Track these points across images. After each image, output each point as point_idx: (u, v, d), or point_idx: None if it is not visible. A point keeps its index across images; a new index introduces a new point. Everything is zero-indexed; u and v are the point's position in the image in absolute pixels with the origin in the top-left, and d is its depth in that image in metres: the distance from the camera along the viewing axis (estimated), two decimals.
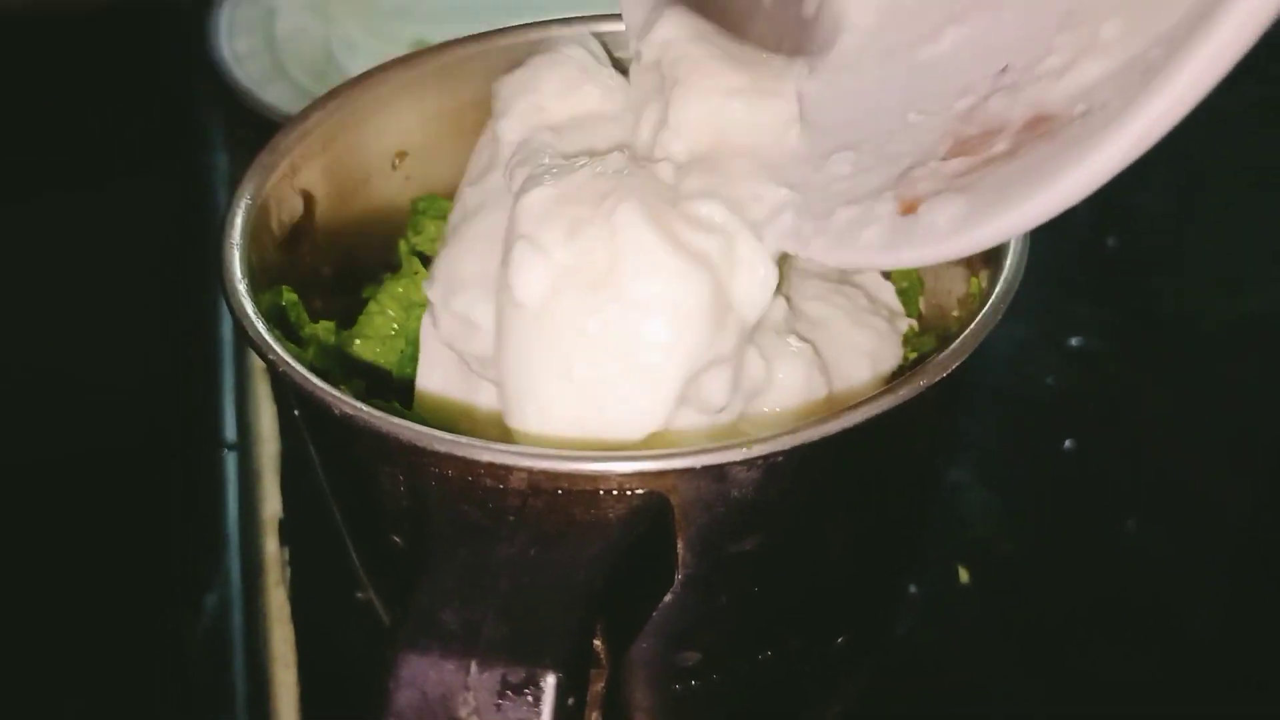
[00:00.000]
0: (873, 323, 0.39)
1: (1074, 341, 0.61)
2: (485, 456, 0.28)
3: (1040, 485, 0.54)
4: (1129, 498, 0.53)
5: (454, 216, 0.41)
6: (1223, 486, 0.54)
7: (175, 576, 0.51)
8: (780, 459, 0.29)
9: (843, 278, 0.42)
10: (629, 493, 0.28)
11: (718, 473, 0.29)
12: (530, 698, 0.26)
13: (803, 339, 0.36)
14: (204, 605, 0.49)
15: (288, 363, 0.31)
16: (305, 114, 0.39)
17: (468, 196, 0.40)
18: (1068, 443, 0.56)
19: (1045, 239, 0.70)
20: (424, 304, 0.40)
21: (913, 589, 0.49)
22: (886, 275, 0.43)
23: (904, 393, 0.29)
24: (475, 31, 0.44)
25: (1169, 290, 0.64)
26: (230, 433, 0.56)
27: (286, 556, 0.51)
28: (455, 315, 0.36)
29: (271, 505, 0.53)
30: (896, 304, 0.42)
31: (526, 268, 0.31)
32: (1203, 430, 0.56)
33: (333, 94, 0.40)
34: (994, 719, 0.45)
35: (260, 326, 0.32)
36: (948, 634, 0.48)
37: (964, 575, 0.50)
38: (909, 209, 0.29)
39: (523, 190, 0.33)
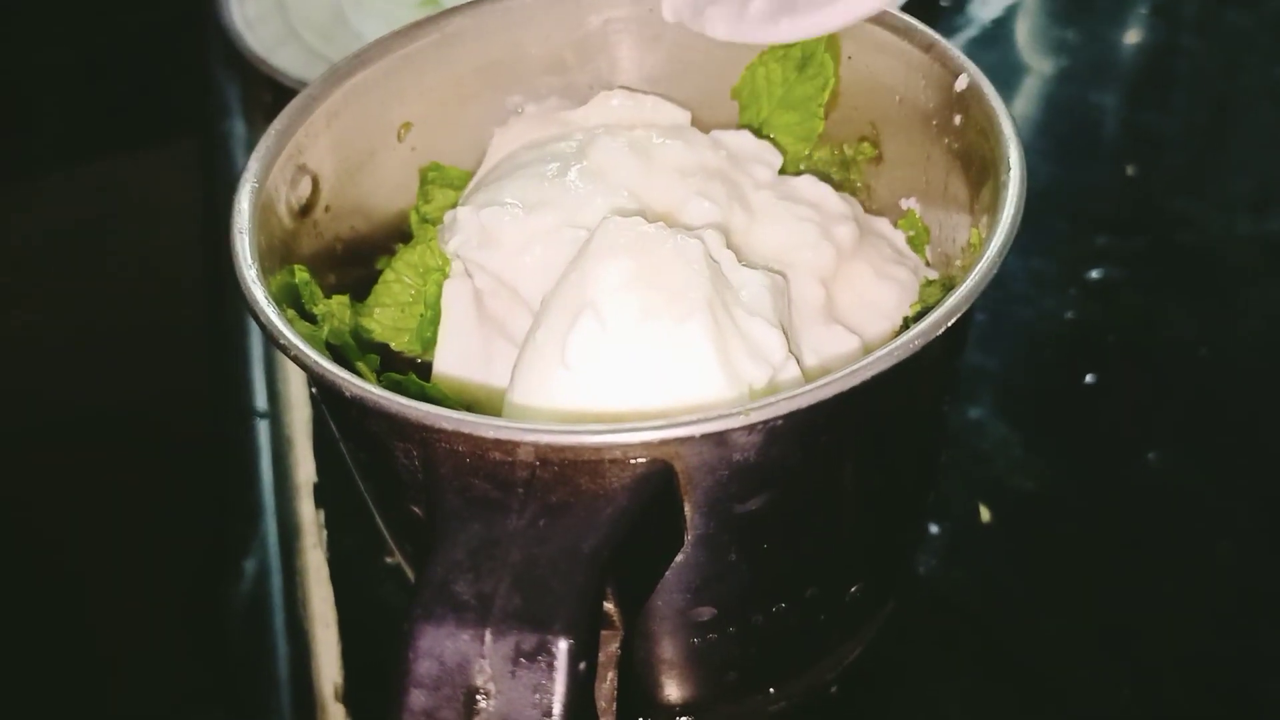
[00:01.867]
0: (897, 274, 0.40)
1: (1094, 274, 0.60)
2: (492, 433, 0.29)
3: (1061, 421, 0.55)
4: (1151, 430, 0.53)
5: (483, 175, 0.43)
6: (1247, 416, 0.54)
7: (215, 545, 0.52)
8: (780, 422, 0.29)
9: (860, 221, 0.42)
10: (633, 461, 0.29)
11: (718, 439, 0.29)
12: (544, 664, 0.27)
13: (849, 330, 0.37)
14: (244, 571, 0.51)
15: (299, 348, 0.31)
16: (307, 94, 0.40)
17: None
18: (1088, 377, 0.55)
19: (1063, 169, 0.70)
20: (440, 269, 0.41)
21: (934, 529, 0.49)
22: (894, 224, 0.43)
23: (899, 353, 0.29)
24: None
25: (1191, 216, 0.64)
26: (261, 401, 0.58)
27: (322, 519, 0.52)
28: (481, 226, 0.38)
29: (305, 470, 0.55)
30: (911, 252, 0.42)
31: (587, 341, 0.33)
32: (1225, 358, 0.56)
33: (333, 71, 0.41)
34: (1017, 657, 0.46)
35: (272, 314, 0.33)
36: (969, 573, 0.48)
37: (985, 514, 0.50)
38: None
39: (603, 251, 0.33)
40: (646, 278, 0.33)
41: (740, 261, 0.36)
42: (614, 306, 0.33)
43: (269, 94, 0.73)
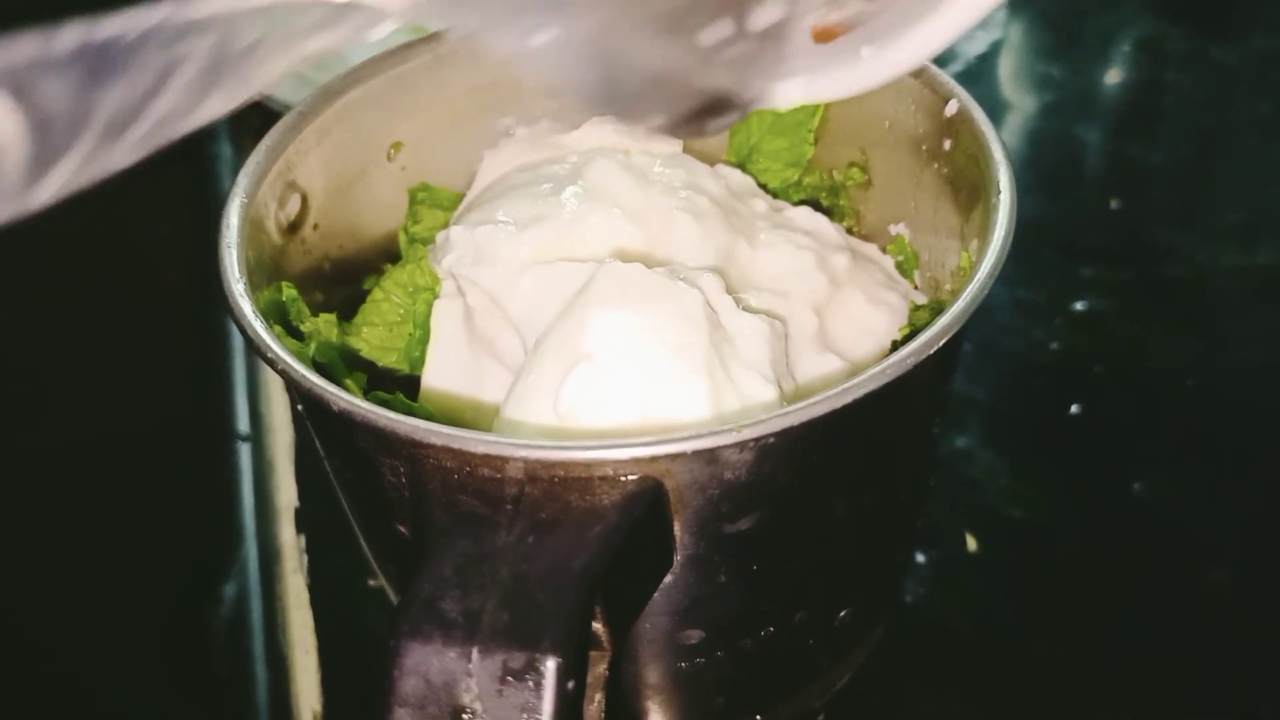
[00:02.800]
0: (888, 299, 0.40)
1: (1080, 305, 0.61)
2: (481, 448, 0.29)
3: (1048, 450, 0.55)
4: (1138, 460, 0.53)
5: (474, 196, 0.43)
6: (1234, 445, 0.54)
7: (194, 569, 0.52)
8: (771, 440, 0.29)
9: (854, 248, 0.42)
10: (623, 478, 0.29)
11: (709, 456, 0.29)
12: (531, 683, 0.26)
13: (841, 358, 0.37)
14: (224, 595, 0.50)
15: (287, 362, 0.31)
16: (298, 111, 0.40)
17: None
18: (1074, 407, 0.56)
19: (1048, 203, 0.70)
20: (429, 288, 0.41)
21: (921, 558, 0.49)
22: (883, 249, 0.43)
23: (890, 372, 0.29)
24: None
25: (1176, 248, 0.64)
26: (243, 424, 0.57)
27: (303, 544, 0.52)
28: (475, 243, 0.38)
29: (287, 494, 0.54)
30: (901, 277, 0.42)
31: (581, 393, 0.32)
32: (1212, 389, 0.56)
33: (325, 89, 0.41)
34: (1006, 684, 0.46)
35: (259, 327, 0.32)
36: (956, 602, 0.48)
37: (972, 543, 0.50)
38: (824, 36, 0.29)
39: (602, 299, 0.33)
40: (645, 332, 0.33)
41: (739, 299, 0.36)
42: (610, 359, 0.33)
43: (257, 118, 0.72)
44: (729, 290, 0.37)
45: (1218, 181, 0.69)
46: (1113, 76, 0.78)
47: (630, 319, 0.33)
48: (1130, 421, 0.55)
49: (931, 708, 0.45)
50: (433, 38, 0.43)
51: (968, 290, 0.31)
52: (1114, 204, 0.68)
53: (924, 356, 0.29)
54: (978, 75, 0.78)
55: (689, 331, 0.33)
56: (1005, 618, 0.48)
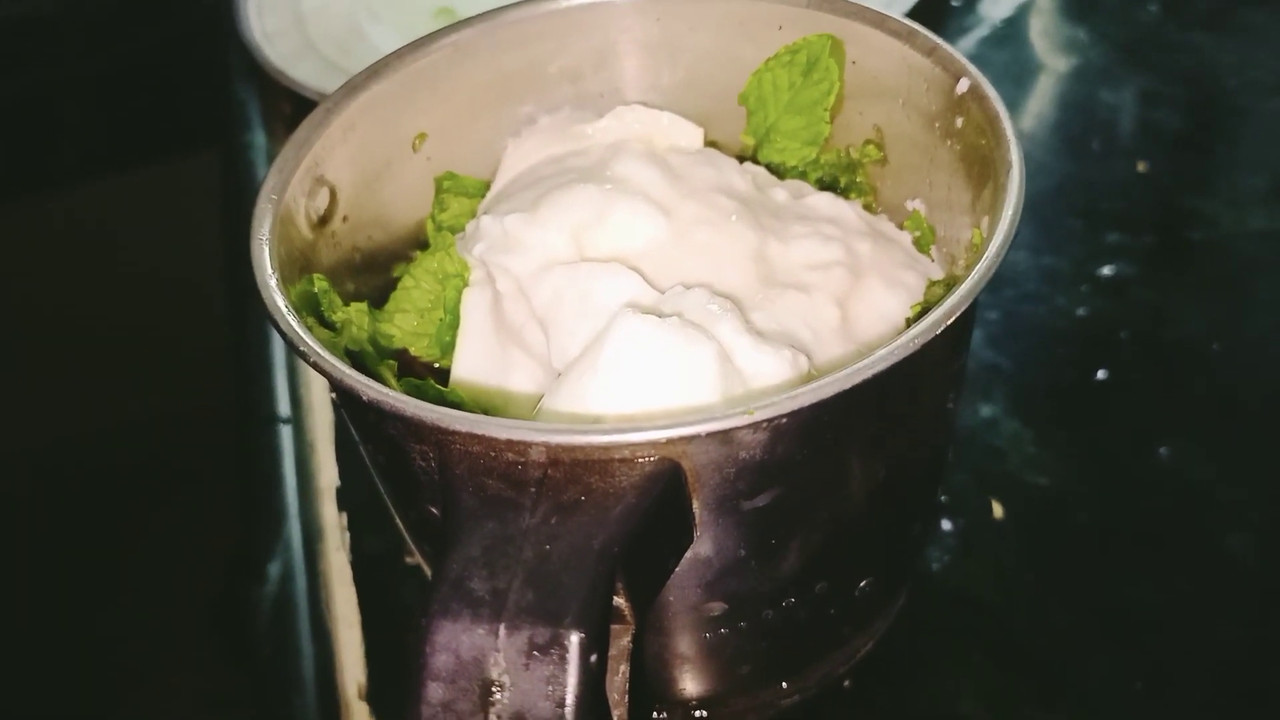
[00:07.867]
0: (906, 280, 0.40)
1: (1106, 270, 0.61)
2: (505, 434, 0.30)
3: (1073, 417, 0.55)
4: (1162, 425, 0.53)
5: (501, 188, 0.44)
6: (1258, 410, 0.54)
7: (240, 549, 0.53)
8: (783, 421, 0.30)
9: (876, 230, 0.42)
10: (641, 460, 0.30)
11: (723, 437, 0.30)
12: (555, 656, 0.28)
13: (860, 345, 0.38)
14: (269, 574, 0.52)
15: (319, 354, 0.32)
16: (324, 108, 0.41)
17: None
18: (1100, 373, 0.56)
19: (1075, 166, 0.70)
20: (459, 275, 0.42)
21: (947, 525, 0.50)
22: (900, 226, 0.44)
23: (899, 352, 0.30)
24: None
25: (1202, 212, 0.64)
26: (284, 407, 0.59)
27: (345, 522, 0.54)
28: (504, 231, 0.40)
29: (328, 474, 0.56)
30: (920, 254, 0.43)
31: (605, 387, 0.34)
32: (1237, 353, 0.56)
33: (349, 84, 0.42)
34: (1029, 650, 0.46)
35: (292, 321, 0.34)
36: (982, 568, 0.49)
37: (997, 510, 0.51)
38: None
39: (614, 357, 0.34)
40: (655, 393, 0.34)
41: (761, 319, 0.37)
42: (631, 362, 0.34)
43: (289, 106, 0.74)
44: (755, 296, 0.38)
45: (1242, 144, 0.69)
46: (1140, 36, 0.77)
47: (641, 379, 0.34)
48: (1155, 387, 0.55)
49: (955, 674, 0.46)
50: (451, 30, 0.44)
51: (974, 270, 0.31)
52: (1141, 167, 0.67)
53: (931, 336, 0.30)
54: (1005, 38, 0.78)
55: (700, 393, 0.34)
56: (1030, 584, 0.48)
